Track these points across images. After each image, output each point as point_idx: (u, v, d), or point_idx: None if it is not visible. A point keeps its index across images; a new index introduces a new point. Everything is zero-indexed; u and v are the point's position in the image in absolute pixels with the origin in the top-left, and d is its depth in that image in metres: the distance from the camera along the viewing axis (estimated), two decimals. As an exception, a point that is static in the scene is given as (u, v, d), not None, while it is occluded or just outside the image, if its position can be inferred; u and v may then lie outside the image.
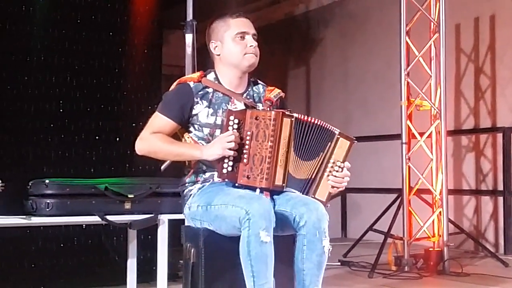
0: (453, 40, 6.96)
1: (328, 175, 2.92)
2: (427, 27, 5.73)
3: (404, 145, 5.45)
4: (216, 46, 3.07)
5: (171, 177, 4.18)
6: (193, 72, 5.12)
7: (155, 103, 5.07)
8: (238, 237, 2.77)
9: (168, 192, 3.83)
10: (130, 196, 3.69)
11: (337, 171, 2.92)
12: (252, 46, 3.03)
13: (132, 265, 4.08)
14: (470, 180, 6.98)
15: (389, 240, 5.56)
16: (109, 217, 3.62)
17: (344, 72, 8.59)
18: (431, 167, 5.59)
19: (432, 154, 5.58)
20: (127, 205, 3.69)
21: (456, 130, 6.98)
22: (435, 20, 5.56)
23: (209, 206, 2.86)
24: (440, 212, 5.45)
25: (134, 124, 4.87)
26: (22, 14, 4.59)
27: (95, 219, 3.59)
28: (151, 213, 3.76)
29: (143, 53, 5.19)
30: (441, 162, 5.48)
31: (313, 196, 2.91)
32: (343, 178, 2.93)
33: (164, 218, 3.80)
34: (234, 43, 3.02)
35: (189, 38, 5.24)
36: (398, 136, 5.97)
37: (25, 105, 4.57)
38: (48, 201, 3.49)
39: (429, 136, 5.62)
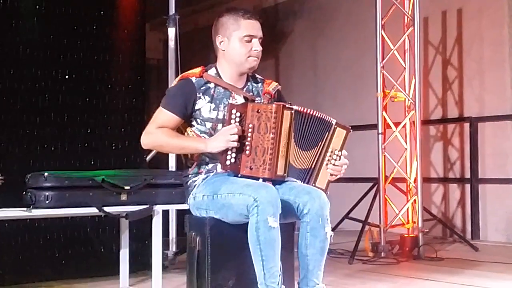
0: (422, 33, 7.14)
1: (327, 164, 3.06)
2: (399, 20, 5.91)
3: (380, 135, 5.62)
4: (222, 41, 3.16)
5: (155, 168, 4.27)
6: (176, 65, 5.24)
7: (139, 96, 5.19)
8: (243, 225, 2.90)
9: (162, 183, 3.93)
10: (126, 187, 3.77)
11: (335, 160, 3.06)
12: (256, 50, 3.15)
13: (124, 255, 4.16)
14: (438, 168, 7.21)
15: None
16: (106, 208, 3.70)
17: (313, 64, 8.75)
18: (405, 156, 5.79)
19: (406, 143, 5.77)
20: (123, 197, 3.78)
21: (424, 120, 7.17)
22: (409, 14, 5.74)
23: (215, 195, 2.97)
24: (414, 200, 5.64)
25: (119, 117, 4.96)
26: (6, 8, 4.59)
27: (93, 210, 3.66)
28: (146, 204, 3.84)
29: (126, 46, 5.21)
30: (416, 151, 5.67)
31: (313, 184, 3.05)
32: (341, 166, 3.07)
33: (159, 209, 3.89)
34: (240, 44, 3.13)
35: (171, 32, 5.36)
36: (367, 127, 6.18)
37: (12, 99, 4.58)
38: (47, 194, 3.56)
39: (403, 126, 5.81)
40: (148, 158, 4.97)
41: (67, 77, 4.83)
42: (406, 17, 5.80)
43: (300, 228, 2.99)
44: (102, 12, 5.04)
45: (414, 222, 5.68)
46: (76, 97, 4.87)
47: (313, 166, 3.06)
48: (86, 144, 4.85)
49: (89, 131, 4.89)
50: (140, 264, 4.70)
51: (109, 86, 5.03)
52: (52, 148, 4.71)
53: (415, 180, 5.67)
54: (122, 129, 5.02)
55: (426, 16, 7.16)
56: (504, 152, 6.67)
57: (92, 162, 4.81)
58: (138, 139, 4.99)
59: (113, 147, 4.92)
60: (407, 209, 5.74)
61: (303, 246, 2.96)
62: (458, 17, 7.03)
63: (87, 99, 4.91)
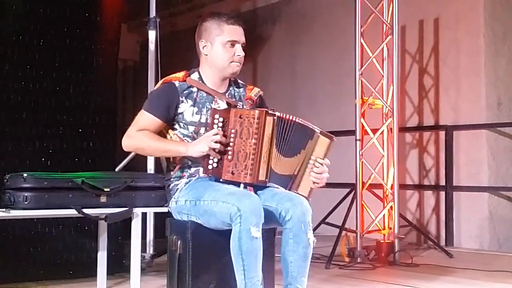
0: (399, 41, 7.21)
1: (309, 171, 3.08)
2: (378, 28, 5.96)
3: (358, 142, 5.66)
4: (205, 46, 3.17)
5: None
6: (156, 67, 5.24)
7: (111, 97, 5.19)
8: (224, 231, 2.91)
9: (142, 186, 3.91)
10: (106, 189, 3.75)
11: (317, 168, 3.08)
12: (239, 55, 3.15)
13: (102, 257, 4.14)
14: (413, 175, 7.28)
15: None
16: (86, 210, 3.68)
17: (291, 70, 8.78)
18: (382, 162, 5.84)
19: (383, 150, 5.83)
20: (103, 199, 3.75)
21: (400, 127, 7.22)
22: (388, 22, 5.79)
23: (198, 201, 2.97)
24: (391, 206, 5.69)
25: (90, 118, 4.96)
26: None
27: (72, 212, 3.64)
28: (126, 207, 3.82)
29: (101, 47, 5.21)
30: (393, 158, 5.72)
31: (296, 191, 3.06)
32: (323, 174, 3.09)
33: (138, 211, 3.88)
34: (223, 49, 3.13)
35: (152, 34, 5.36)
36: (344, 133, 6.20)
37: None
38: (26, 194, 3.53)
39: (380, 133, 5.86)
40: (117, 168, 4.96)
41: (40, 76, 4.82)
42: (384, 25, 5.85)
43: (282, 235, 2.99)
44: (79, 13, 5.03)
45: (390, 228, 5.73)
46: (48, 97, 4.85)
47: (295, 173, 3.07)
48: (57, 144, 4.83)
49: (60, 131, 4.88)
50: (116, 266, 4.68)
51: (82, 86, 5.02)
52: (22, 148, 4.68)
53: (392, 187, 5.72)
54: (93, 131, 5.02)
55: (404, 24, 7.22)
56: (478, 161, 6.76)
57: (63, 162, 4.79)
58: (109, 140, 5.08)
59: (84, 148, 4.92)
60: (384, 215, 5.79)
61: (286, 253, 2.96)
62: (435, 26, 7.11)
63: (59, 99, 4.90)
